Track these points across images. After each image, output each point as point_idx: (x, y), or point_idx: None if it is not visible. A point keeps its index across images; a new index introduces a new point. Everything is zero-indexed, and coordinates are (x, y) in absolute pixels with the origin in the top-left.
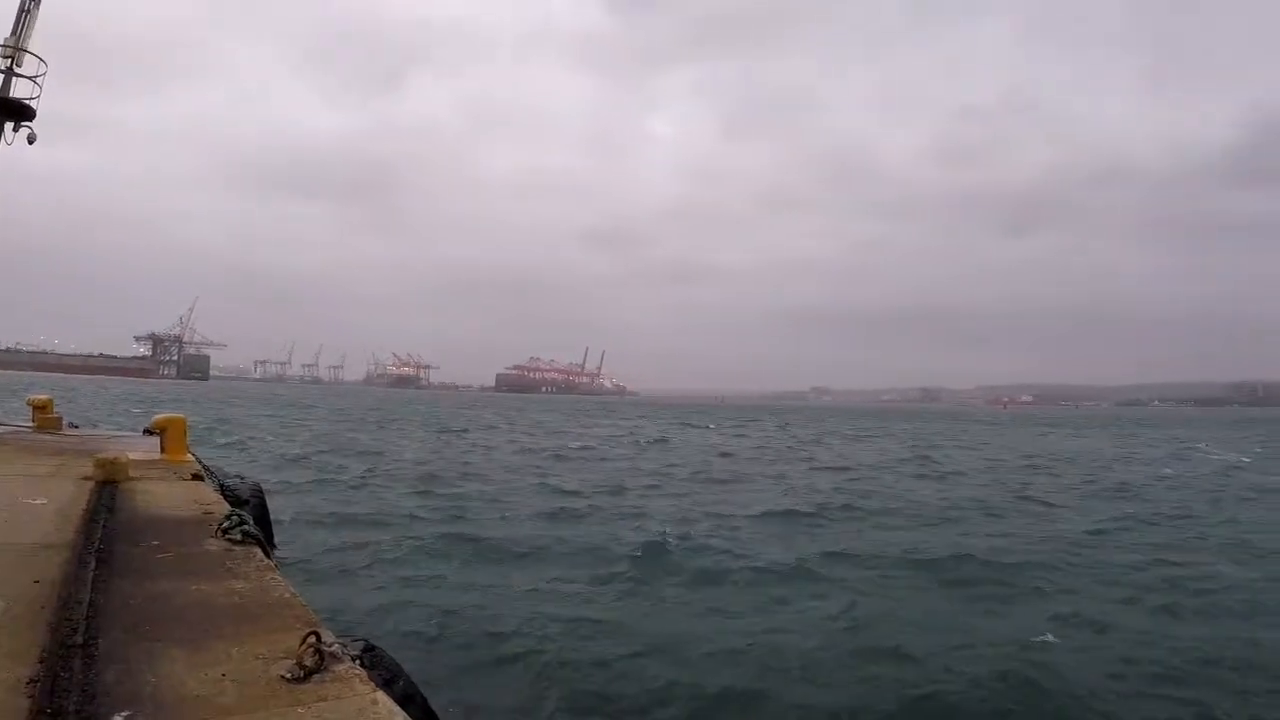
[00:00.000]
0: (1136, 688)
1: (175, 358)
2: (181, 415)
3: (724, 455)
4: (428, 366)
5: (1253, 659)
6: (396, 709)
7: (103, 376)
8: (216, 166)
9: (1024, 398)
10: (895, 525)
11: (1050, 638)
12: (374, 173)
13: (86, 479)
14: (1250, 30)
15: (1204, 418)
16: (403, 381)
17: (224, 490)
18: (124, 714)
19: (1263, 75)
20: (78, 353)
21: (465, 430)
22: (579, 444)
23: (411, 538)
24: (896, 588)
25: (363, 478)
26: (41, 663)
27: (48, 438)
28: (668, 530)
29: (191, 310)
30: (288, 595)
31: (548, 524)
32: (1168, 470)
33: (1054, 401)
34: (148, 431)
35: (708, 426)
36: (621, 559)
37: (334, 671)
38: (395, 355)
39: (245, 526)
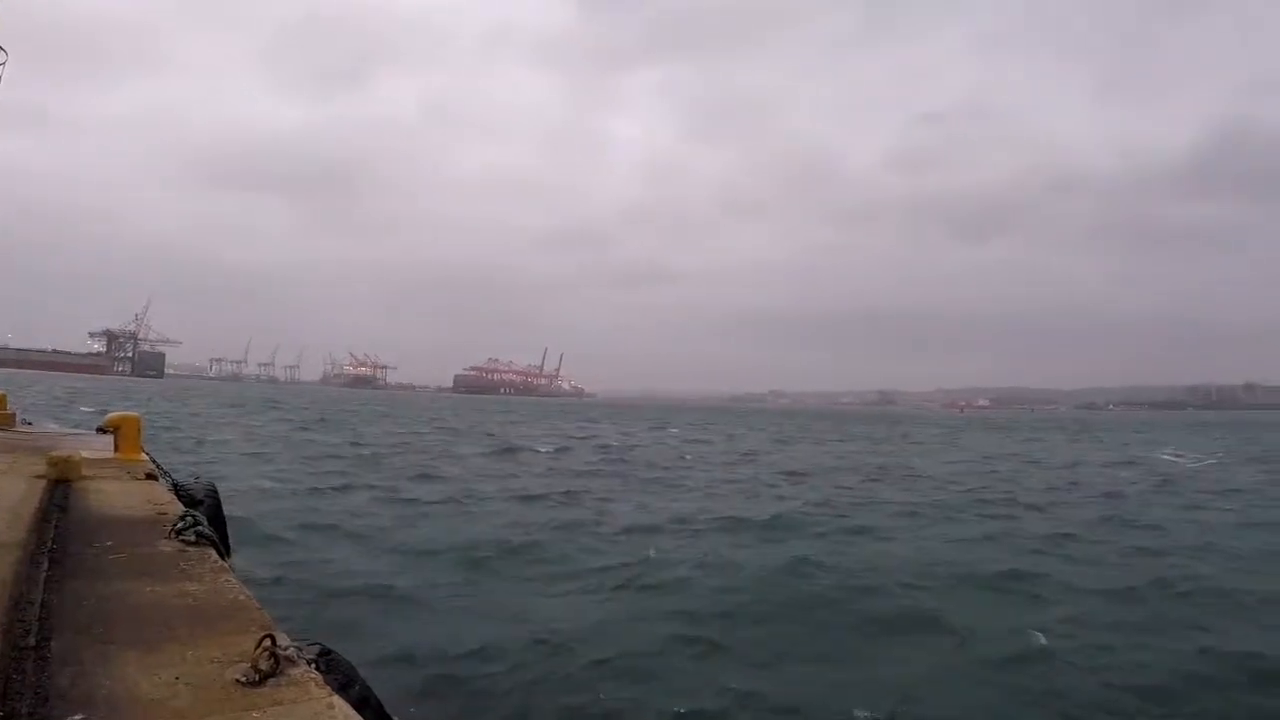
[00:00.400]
0: None
1: (130, 354)
2: (136, 413)
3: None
4: (385, 367)
5: None
6: (353, 713)
7: (57, 373)
8: (173, 160)
9: (981, 401)
10: None
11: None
12: (333, 169)
13: (39, 477)
14: (1204, 44)
15: (1163, 421)
16: (360, 382)
17: (178, 490)
18: (78, 717)
19: (1217, 88)
20: (31, 348)
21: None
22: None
23: None
24: None
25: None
26: None
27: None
28: None
29: (147, 307)
30: (242, 598)
31: None
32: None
33: (1011, 405)
34: (101, 430)
35: (708, 441)
36: None
37: (289, 675)
38: (352, 355)
39: (199, 528)
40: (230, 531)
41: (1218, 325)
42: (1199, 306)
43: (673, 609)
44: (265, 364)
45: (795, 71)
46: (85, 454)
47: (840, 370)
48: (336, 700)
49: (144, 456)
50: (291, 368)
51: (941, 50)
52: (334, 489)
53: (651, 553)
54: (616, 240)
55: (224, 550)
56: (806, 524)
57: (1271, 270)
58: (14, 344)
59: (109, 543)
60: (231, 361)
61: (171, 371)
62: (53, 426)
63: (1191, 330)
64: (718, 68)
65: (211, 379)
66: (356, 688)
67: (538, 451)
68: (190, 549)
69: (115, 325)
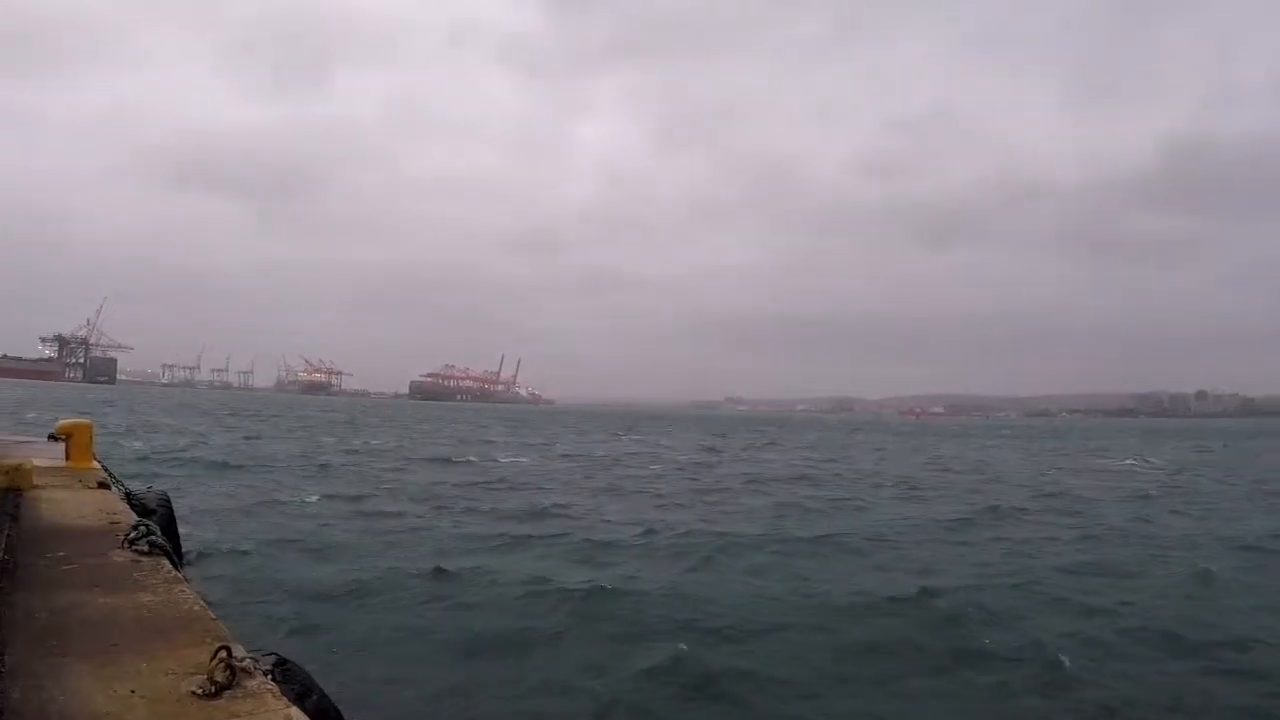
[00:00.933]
0: None
1: (82, 360)
2: (88, 420)
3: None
4: (339, 373)
5: None
6: None
7: (7, 379)
8: (128, 160)
9: (935, 408)
10: None
11: None
12: (291, 170)
13: None
14: (1169, 59)
15: (1121, 428)
16: (314, 388)
17: (130, 499)
18: None
19: (1179, 102)
20: None
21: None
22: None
23: None
24: None
25: None
26: None
27: None
28: None
29: (99, 312)
30: (197, 608)
31: None
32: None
33: (965, 412)
34: (52, 437)
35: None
36: None
37: (246, 687)
38: (306, 361)
39: (152, 537)
40: None
41: (1172, 334)
42: (1154, 315)
43: None
44: (219, 370)
45: (763, 77)
46: (37, 462)
47: (797, 377)
48: (294, 711)
49: (96, 464)
50: (245, 374)
51: (910, 58)
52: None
53: None
54: (578, 245)
55: (177, 559)
56: None
57: (1225, 281)
58: None
59: (61, 553)
60: (184, 368)
61: (124, 378)
62: (2, 434)
63: (1145, 338)
64: (684, 72)
65: (164, 385)
66: (314, 697)
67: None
68: (144, 559)
69: (67, 330)
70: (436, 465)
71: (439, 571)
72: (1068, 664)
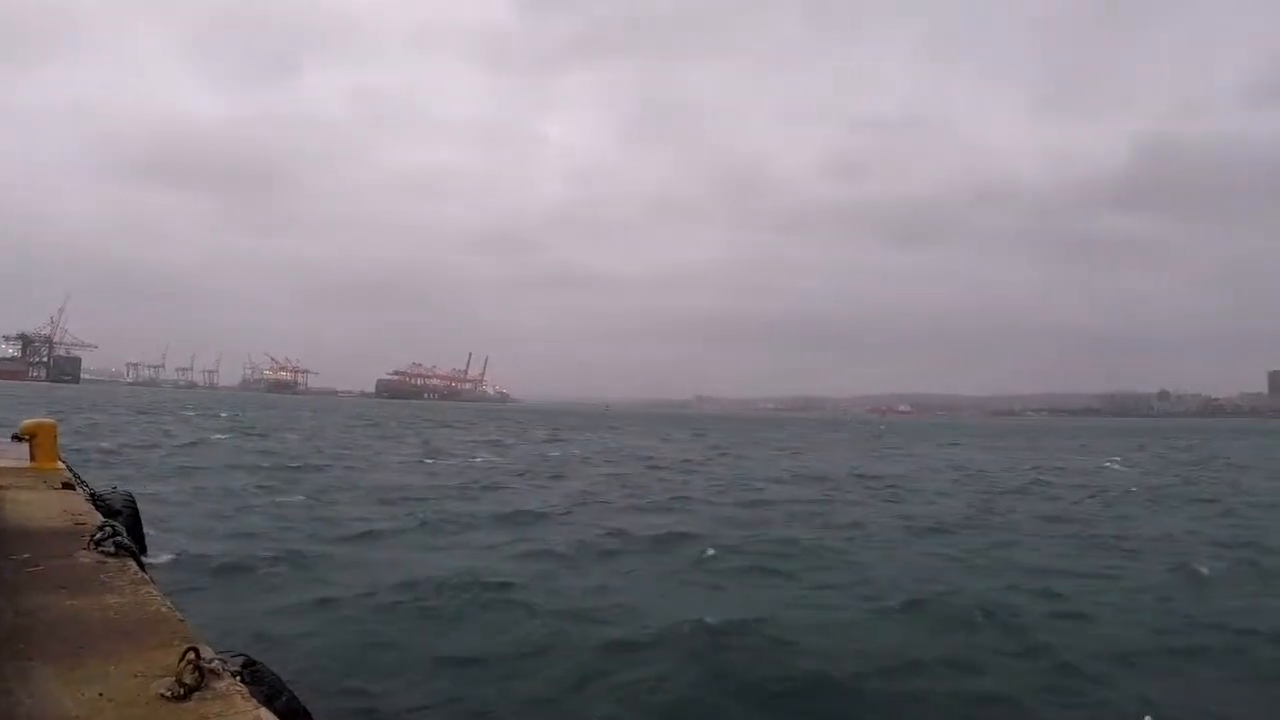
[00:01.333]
0: None
1: (46, 359)
2: (52, 420)
3: None
4: (306, 371)
5: None
6: None
7: None
8: (90, 154)
9: (901, 407)
10: None
11: None
12: (257, 165)
13: None
14: (1139, 63)
15: (1091, 427)
16: (280, 386)
17: (95, 499)
18: None
19: (1147, 106)
20: None
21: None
22: None
23: None
24: None
25: None
26: None
27: None
28: None
29: (63, 309)
30: (164, 610)
31: None
32: None
33: (931, 410)
34: (16, 437)
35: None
36: None
37: (214, 689)
38: (273, 359)
39: (118, 538)
40: None
41: (1135, 335)
42: (1118, 317)
43: None
44: (183, 369)
45: (733, 76)
46: (0, 463)
47: (766, 376)
48: (264, 713)
49: (61, 465)
50: (210, 372)
51: (881, 58)
52: None
53: None
54: (546, 243)
55: (142, 560)
56: None
57: (1189, 283)
58: None
59: (26, 555)
60: (149, 366)
61: (88, 377)
62: None
63: (1109, 339)
64: (655, 71)
65: (129, 384)
66: (284, 698)
67: None
68: (110, 560)
69: (30, 328)
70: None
71: None
72: None
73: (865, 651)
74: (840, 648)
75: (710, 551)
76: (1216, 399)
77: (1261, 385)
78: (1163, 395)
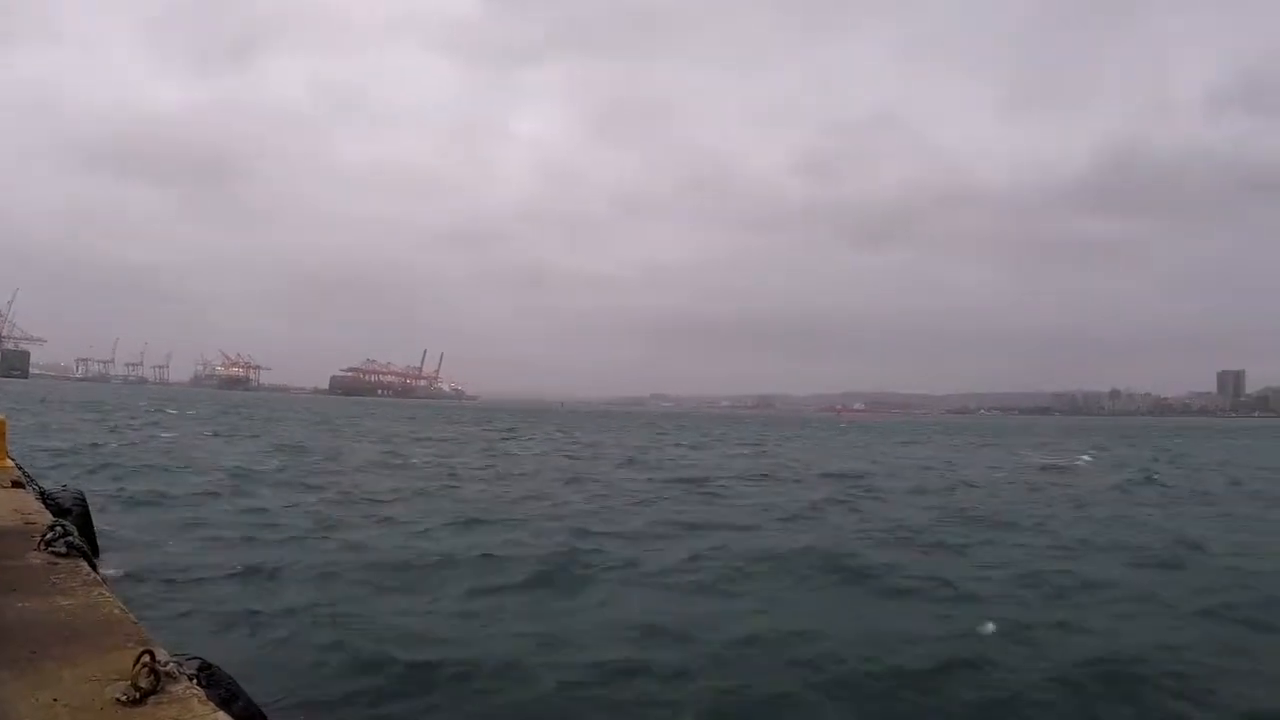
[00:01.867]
0: None
1: None
2: (1, 416)
3: None
4: (258, 367)
5: None
6: None
7: None
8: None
9: (857, 406)
10: None
11: None
12: (214, 155)
13: None
14: (1108, 67)
15: (1048, 425)
16: (232, 383)
17: (45, 498)
18: None
19: (1115, 110)
20: None
21: None
22: None
23: None
24: None
25: None
26: None
27: None
28: None
29: (10, 303)
30: (117, 612)
31: None
32: None
33: (887, 409)
34: None
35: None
36: None
37: (170, 692)
38: (225, 355)
39: (70, 538)
40: None
41: (1089, 335)
42: (1073, 317)
43: None
44: (133, 364)
45: (705, 74)
46: None
47: (723, 374)
48: (221, 716)
49: (10, 463)
50: (160, 368)
51: (853, 60)
52: None
53: None
54: (508, 240)
55: (94, 561)
56: None
57: (1142, 285)
58: None
59: None
60: (99, 361)
61: (36, 371)
62: None
63: (1063, 339)
64: (625, 67)
65: (78, 379)
66: (240, 702)
67: None
68: (61, 561)
69: None
70: None
71: None
72: None
73: None
74: None
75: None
76: (1166, 398)
77: (1210, 385)
78: (1114, 395)
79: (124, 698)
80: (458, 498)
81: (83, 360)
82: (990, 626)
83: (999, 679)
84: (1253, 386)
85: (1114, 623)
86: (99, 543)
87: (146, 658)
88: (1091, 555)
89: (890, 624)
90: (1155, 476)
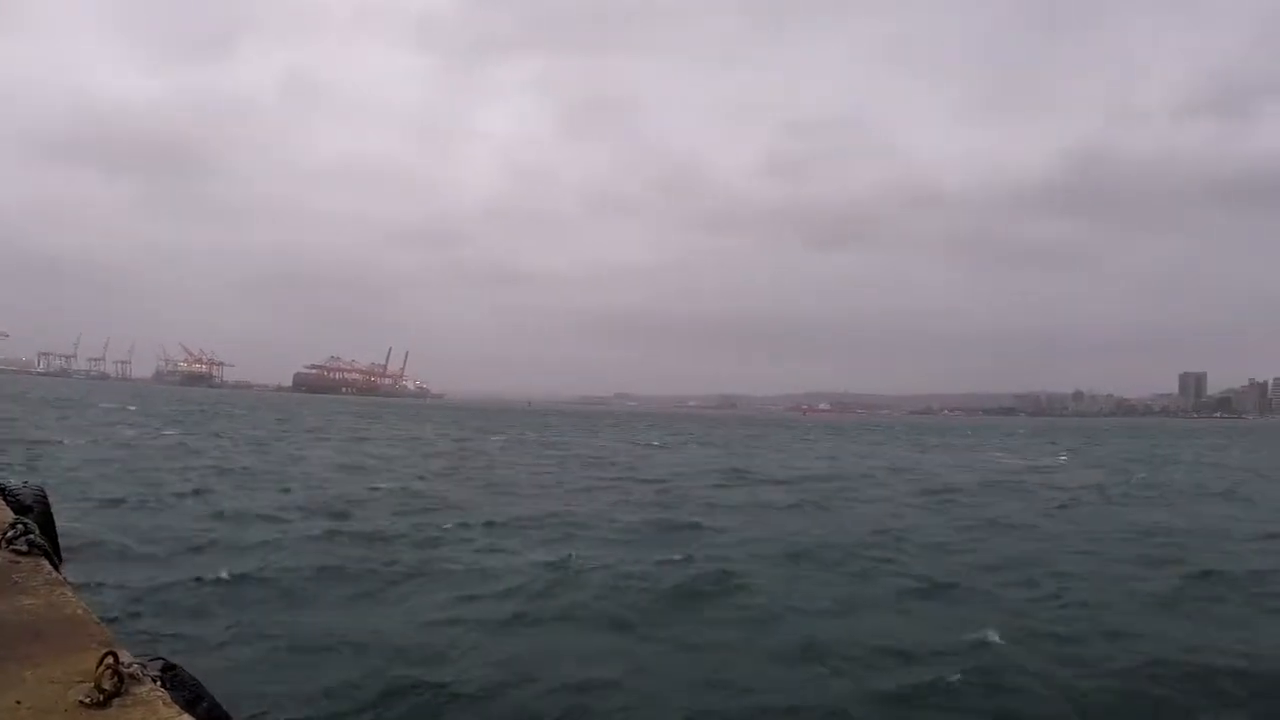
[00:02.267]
0: None
1: None
2: None
3: None
4: (221, 364)
5: None
6: None
7: None
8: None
9: (821, 406)
10: None
11: None
12: (179, 147)
13: None
14: (1072, 72)
15: (1010, 426)
16: (194, 379)
17: (4, 494)
18: None
19: (1079, 114)
20: None
21: None
22: None
23: None
24: None
25: None
26: None
27: None
28: None
29: None
30: (80, 612)
31: None
32: None
33: (850, 409)
34: None
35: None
36: None
37: (134, 694)
38: (187, 350)
39: (31, 536)
40: None
41: (1052, 337)
42: (1037, 320)
43: None
44: (96, 359)
45: (674, 73)
46: None
47: (687, 374)
48: (185, 718)
49: None
50: (123, 363)
51: (822, 61)
52: None
53: None
54: (475, 237)
55: (56, 560)
56: None
57: (1107, 288)
58: None
59: None
60: (61, 356)
61: None
62: None
63: (1028, 341)
64: (595, 65)
65: (40, 374)
66: (205, 703)
67: None
68: (23, 560)
69: None
70: None
71: None
72: None
73: None
74: None
75: None
76: (1128, 399)
77: (1173, 386)
78: (1077, 396)
79: (88, 700)
80: None
81: (45, 355)
82: None
83: None
84: (1214, 388)
85: None
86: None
87: (110, 659)
88: None
89: None
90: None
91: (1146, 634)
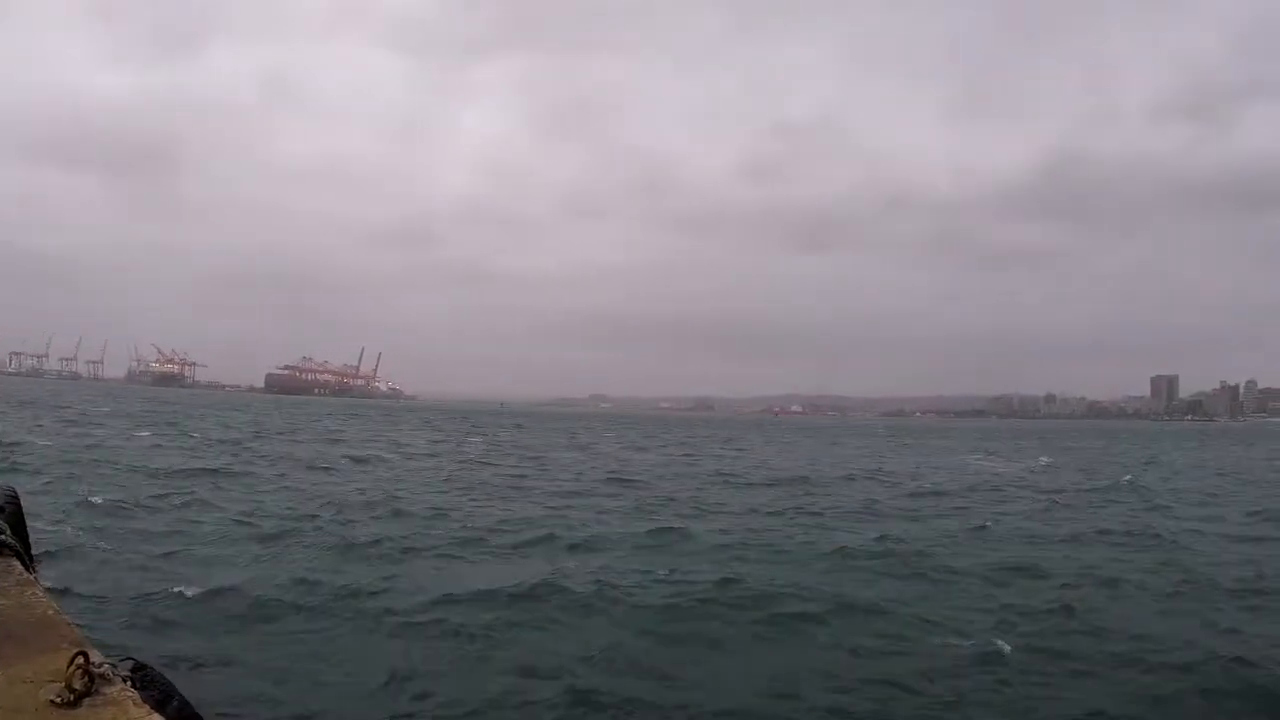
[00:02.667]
0: None
1: None
2: None
3: None
4: (194, 364)
5: None
6: None
7: None
8: None
9: (794, 408)
10: None
11: None
12: (153, 145)
13: None
14: (1049, 76)
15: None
16: (167, 380)
17: None
18: None
19: (1055, 118)
20: None
21: None
22: None
23: None
24: None
25: None
26: None
27: None
28: None
29: None
30: (51, 612)
31: None
32: None
33: (823, 411)
34: None
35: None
36: None
37: (105, 694)
38: (159, 350)
39: (2, 537)
40: None
41: (1025, 340)
42: (1009, 322)
43: None
44: (68, 359)
45: (653, 73)
46: None
47: (662, 376)
48: (156, 718)
49: None
50: (94, 363)
51: (801, 62)
52: None
53: None
54: (451, 237)
55: (28, 561)
56: None
57: (1080, 291)
58: None
59: None
60: (32, 356)
61: None
62: None
63: (1000, 344)
64: (573, 65)
65: (10, 374)
66: (175, 702)
67: None
68: None
69: None
70: None
71: None
72: None
73: None
74: None
75: None
76: (1099, 401)
77: (1144, 389)
78: (1049, 398)
79: (58, 699)
80: None
81: (16, 355)
82: None
83: None
84: (1185, 391)
85: None
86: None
87: (80, 659)
88: None
89: None
90: None
91: None
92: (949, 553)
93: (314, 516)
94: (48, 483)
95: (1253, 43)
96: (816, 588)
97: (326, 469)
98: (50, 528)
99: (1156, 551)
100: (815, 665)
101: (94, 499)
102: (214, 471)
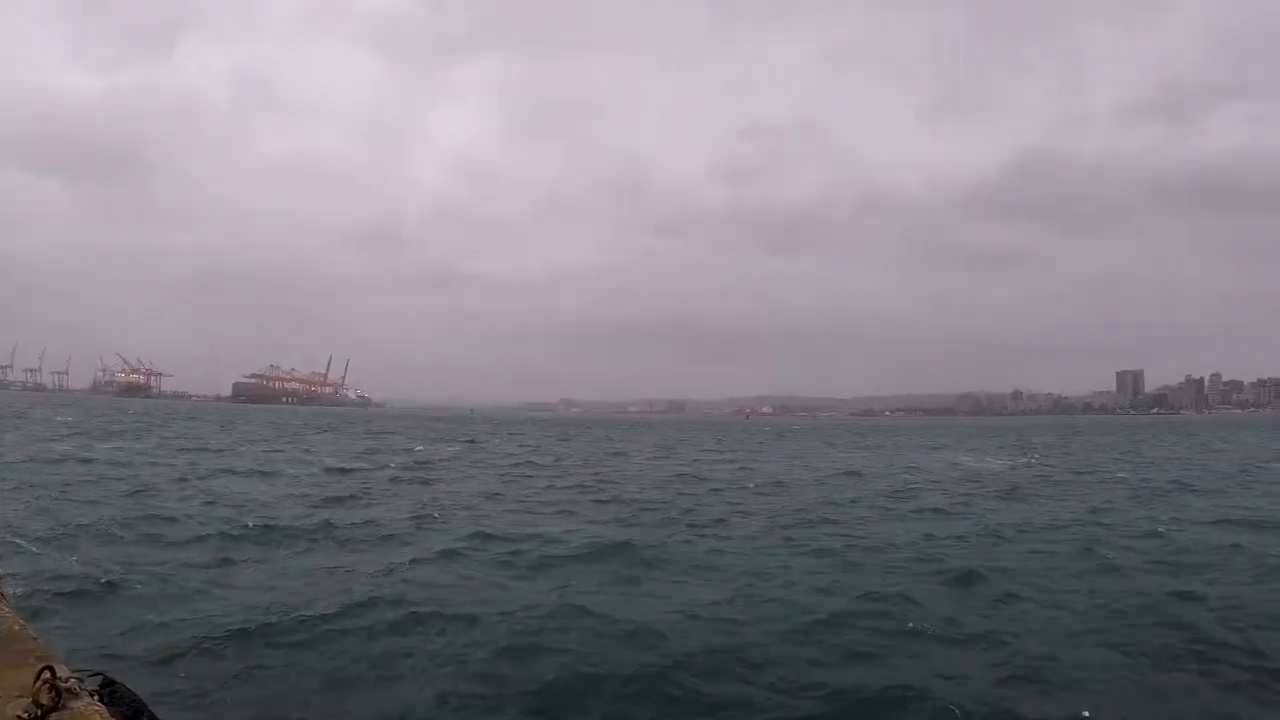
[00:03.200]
0: None
1: None
2: None
3: None
4: (160, 374)
5: None
6: None
7: None
8: None
9: (765, 409)
10: None
11: None
12: (119, 148)
13: None
14: (1023, 80)
15: (930, 426)
16: (132, 390)
17: None
18: None
19: (1028, 121)
20: None
21: None
22: None
23: None
24: None
25: None
26: None
27: None
28: None
29: None
30: (16, 627)
31: None
32: None
33: (793, 412)
34: None
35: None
36: None
37: (72, 709)
38: (125, 360)
39: None
40: None
41: (993, 339)
42: (977, 322)
43: None
44: (32, 370)
45: (629, 74)
46: None
47: (633, 379)
48: None
49: None
50: (60, 374)
51: (777, 65)
52: None
53: None
54: (422, 241)
55: None
56: None
57: (1048, 289)
58: None
59: None
60: None
61: None
62: None
63: (969, 343)
64: (549, 66)
65: None
66: (143, 718)
67: None
68: None
69: None
70: None
71: None
72: None
73: None
74: None
75: None
76: (1066, 397)
77: (1110, 384)
78: (1016, 395)
79: (25, 714)
80: None
81: None
82: None
83: None
84: (1151, 385)
85: None
86: None
87: (47, 674)
88: None
89: None
90: None
91: None
92: None
93: None
94: None
95: (1222, 43)
96: None
97: None
98: None
99: None
100: None
101: None
102: None
